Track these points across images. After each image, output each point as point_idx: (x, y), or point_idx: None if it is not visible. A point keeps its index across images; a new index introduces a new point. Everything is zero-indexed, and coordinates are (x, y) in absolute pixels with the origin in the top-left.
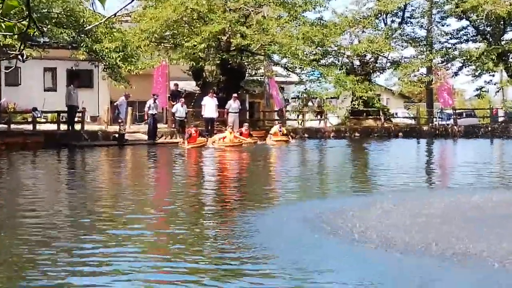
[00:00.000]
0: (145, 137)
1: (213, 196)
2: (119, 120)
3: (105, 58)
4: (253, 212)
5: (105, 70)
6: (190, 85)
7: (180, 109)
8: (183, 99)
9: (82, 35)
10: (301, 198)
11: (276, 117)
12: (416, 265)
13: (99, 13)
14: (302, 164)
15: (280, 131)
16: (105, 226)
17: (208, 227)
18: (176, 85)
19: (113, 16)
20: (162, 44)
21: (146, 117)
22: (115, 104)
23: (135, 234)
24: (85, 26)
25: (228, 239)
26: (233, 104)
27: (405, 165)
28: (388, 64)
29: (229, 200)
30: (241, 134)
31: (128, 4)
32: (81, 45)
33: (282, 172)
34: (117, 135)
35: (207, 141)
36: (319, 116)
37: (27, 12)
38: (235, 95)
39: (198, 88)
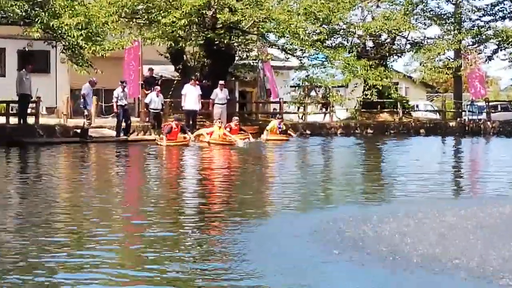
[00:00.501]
0: (113, 133)
1: (193, 209)
2: (85, 113)
3: (65, 37)
4: (245, 225)
5: (64, 51)
6: (167, 70)
7: (155, 100)
8: (158, 88)
9: (37, 9)
10: (302, 209)
11: (273, 110)
12: None
13: None
14: (300, 168)
15: (280, 127)
16: (61, 243)
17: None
18: (151, 70)
19: None
20: (134, 20)
21: (115, 110)
22: (79, 93)
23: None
24: None
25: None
26: (219, 94)
27: (426, 169)
28: (408, 46)
29: (213, 213)
30: (230, 130)
31: None
32: (36, 20)
33: (277, 179)
34: (79, 130)
35: (189, 138)
36: (323, 109)
37: None
38: (222, 82)
39: (178, 74)
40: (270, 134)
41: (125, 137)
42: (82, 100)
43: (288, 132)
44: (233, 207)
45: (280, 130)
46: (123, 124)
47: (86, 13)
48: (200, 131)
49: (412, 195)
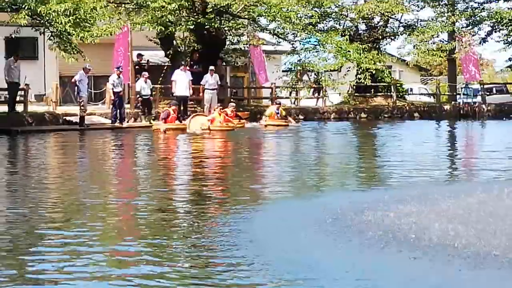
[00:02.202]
0: (104, 120)
1: (190, 196)
2: (80, 100)
3: (52, 23)
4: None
5: (52, 38)
6: (157, 56)
7: (144, 86)
8: (146, 73)
9: None
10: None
11: (266, 95)
12: None
13: None
14: (302, 152)
15: (278, 113)
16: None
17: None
18: (140, 55)
19: None
20: (123, 5)
21: (113, 97)
22: (72, 80)
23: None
24: None
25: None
26: (210, 79)
27: (420, 153)
28: (401, 29)
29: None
30: (226, 116)
31: None
32: (23, 6)
33: (275, 165)
34: (69, 118)
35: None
36: (316, 94)
37: None
38: (212, 68)
39: (168, 60)
40: (269, 120)
41: (120, 124)
42: (76, 87)
43: (288, 119)
44: (234, 194)
45: (278, 115)
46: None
47: None
48: (200, 119)
49: (409, 180)
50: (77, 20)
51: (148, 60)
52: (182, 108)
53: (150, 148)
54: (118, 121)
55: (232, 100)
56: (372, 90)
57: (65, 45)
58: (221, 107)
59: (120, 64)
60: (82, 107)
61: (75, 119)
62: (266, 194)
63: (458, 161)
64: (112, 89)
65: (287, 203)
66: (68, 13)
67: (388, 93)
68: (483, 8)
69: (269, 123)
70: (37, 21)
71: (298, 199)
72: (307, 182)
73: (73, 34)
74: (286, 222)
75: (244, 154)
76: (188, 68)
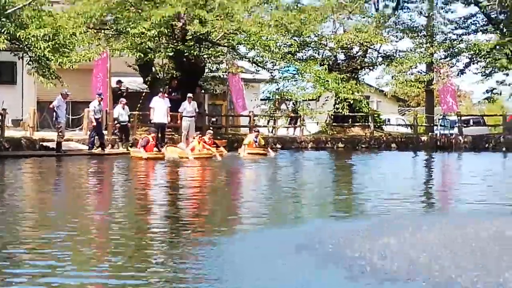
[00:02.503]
0: (81, 146)
1: (165, 224)
2: (58, 126)
3: (31, 48)
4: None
5: (30, 63)
6: (136, 82)
7: (121, 112)
8: (124, 100)
9: (3, 19)
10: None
11: (244, 123)
12: None
13: None
14: (279, 182)
15: (256, 141)
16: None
17: None
18: (120, 82)
19: None
20: (103, 31)
21: (92, 123)
22: (50, 106)
23: None
24: (6, 7)
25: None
26: (188, 107)
27: (396, 184)
28: (380, 59)
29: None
30: (204, 143)
31: None
32: (2, 31)
33: (252, 194)
34: (45, 144)
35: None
36: (293, 123)
37: None
38: (190, 95)
39: (146, 86)
40: (247, 148)
41: (102, 151)
42: (54, 113)
43: (267, 148)
44: (210, 223)
45: (257, 144)
46: (97, 137)
47: (54, 24)
48: (182, 149)
49: (383, 211)
50: (56, 45)
51: (127, 88)
52: (160, 135)
53: (127, 176)
54: (96, 148)
55: (210, 127)
56: (350, 120)
57: (44, 70)
58: (200, 135)
59: (100, 91)
60: (60, 133)
61: (52, 144)
62: (242, 223)
63: (432, 193)
64: (94, 115)
65: (263, 231)
66: (47, 38)
67: (366, 123)
68: (461, 40)
69: (247, 152)
70: (16, 46)
71: (274, 228)
72: (283, 212)
73: (52, 59)
74: (261, 250)
75: (222, 183)
76: (166, 95)
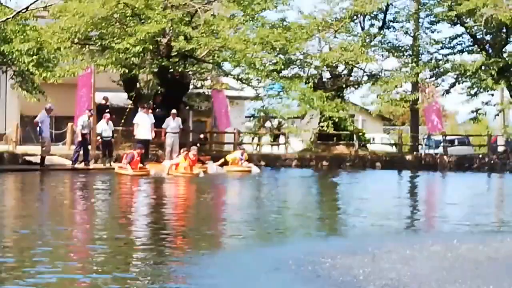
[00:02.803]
0: (65, 161)
1: (148, 241)
2: (42, 141)
3: (15, 63)
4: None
5: (14, 77)
6: (120, 98)
7: (105, 128)
8: (108, 115)
9: None
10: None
11: (228, 140)
12: None
13: (8, 6)
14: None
15: (242, 159)
16: None
17: None
18: (106, 98)
19: (25, 10)
20: (87, 47)
21: (77, 139)
22: (34, 121)
23: None
24: None
25: None
26: (172, 123)
27: (379, 203)
28: (365, 78)
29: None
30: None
31: None
32: None
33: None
34: (27, 158)
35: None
36: (278, 140)
37: None
38: (174, 111)
39: (130, 102)
40: (232, 165)
41: (87, 166)
42: (38, 128)
43: (250, 165)
44: (192, 241)
45: (242, 161)
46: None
47: (38, 39)
48: (164, 164)
49: (366, 230)
50: (40, 60)
51: (111, 103)
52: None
53: (111, 192)
54: (79, 163)
55: (200, 142)
56: (335, 138)
57: (27, 84)
58: (186, 151)
59: (91, 107)
60: (43, 148)
61: (35, 159)
62: (225, 241)
63: (414, 213)
64: (82, 130)
65: (245, 250)
66: (31, 53)
67: (351, 142)
68: (447, 60)
69: (231, 169)
70: (0, 60)
71: (257, 247)
72: (266, 230)
73: (36, 74)
74: (243, 269)
75: (205, 201)
76: (150, 111)
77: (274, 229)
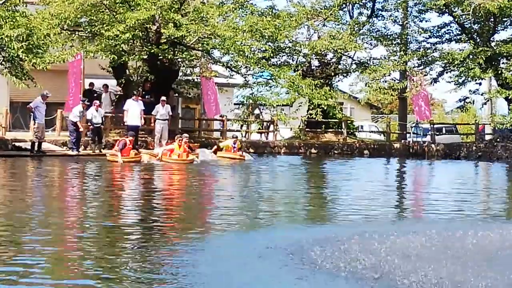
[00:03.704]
0: (55, 147)
1: (139, 227)
2: (35, 126)
3: (5, 49)
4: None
5: (3, 63)
6: (109, 85)
7: (95, 114)
8: (97, 102)
9: None
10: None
11: (218, 127)
12: None
13: None
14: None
15: (235, 146)
16: None
17: None
18: (92, 84)
19: None
20: (77, 33)
21: (80, 127)
22: (28, 106)
23: None
24: None
25: None
26: (161, 110)
27: (365, 190)
28: (354, 66)
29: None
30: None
31: None
32: None
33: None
34: (17, 144)
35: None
36: (269, 127)
37: None
38: (163, 98)
39: (120, 89)
40: (225, 152)
41: (76, 152)
42: (31, 113)
43: (243, 154)
44: (183, 226)
45: (235, 149)
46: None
47: (28, 25)
48: (158, 150)
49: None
50: (30, 46)
51: (100, 88)
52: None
53: (103, 178)
54: (74, 150)
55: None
56: (323, 126)
57: (17, 70)
58: (180, 139)
59: (85, 98)
60: (36, 133)
61: (25, 145)
62: (216, 227)
63: (401, 200)
64: (73, 117)
65: (235, 236)
66: (21, 39)
67: (339, 130)
68: (435, 49)
69: (224, 155)
70: None
71: (248, 233)
72: (254, 217)
73: (26, 60)
74: (234, 254)
75: (196, 187)
76: (140, 97)
77: (263, 216)
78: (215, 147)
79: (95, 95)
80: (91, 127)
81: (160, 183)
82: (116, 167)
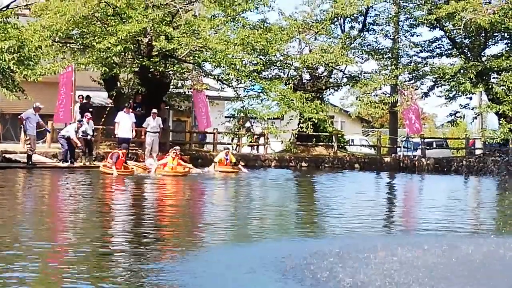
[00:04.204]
0: (45, 159)
1: (136, 239)
2: (26, 138)
3: None
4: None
5: None
6: (100, 97)
7: (86, 126)
8: (89, 114)
9: None
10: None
11: (208, 140)
12: None
13: None
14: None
15: (227, 159)
16: None
17: None
18: (88, 97)
19: (5, 9)
20: (68, 45)
21: (75, 142)
22: (19, 117)
23: None
24: None
25: None
26: (152, 122)
27: (354, 204)
28: (345, 80)
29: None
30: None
31: None
32: None
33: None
34: (7, 156)
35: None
36: (258, 140)
37: None
38: (154, 111)
39: (111, 101)
40: (218, 165)
41: (68, 164)
42: (22, 125)
43: (238, 166)
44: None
45: (227, 161)
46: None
47: (19, 37)
48: (151, 162)
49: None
50: (21, 57)
51: (92, 102)
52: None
53: (95, 191)
54: (64, 161)
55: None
56: (314, 139)
57: (8, 82)
58: (175, 152)
59: (81, 119)
60: (28, 145)
61: (15, 156)
62: (207, 240)
63: (389, 214)
64: (66, 132)
65: (226, 249)
66: (12, 51)
67: (330, 143)
68: (426, 63)
69: (218, 170)
70: None
71: (239, 246)
72: (247, 231)
73: (17, 72)
74: (225, 267)
75: (189, 200)
76: (131, 110)
77: (255, 229)
78: (212, 165)
79: (90, 109)
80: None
81: (150, 197)
82: (110, 180)
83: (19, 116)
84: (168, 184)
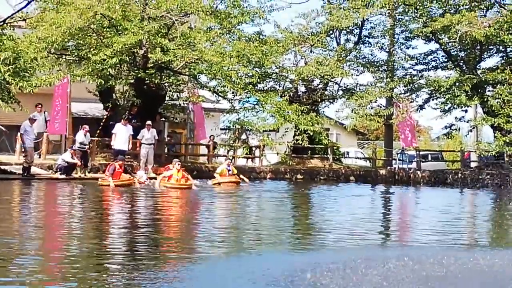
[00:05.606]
0: (41, 171)
1: (132, 250)
2: (23, 150)
3: None
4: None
5: None
6: (96, 109)
7: (83, 139)
8: (87, 127)
9: None
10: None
11: (204, 152)
12: None
13: None
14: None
15: (229, 170)
16: None
17: None
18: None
19: (2, 23)
20: (64, 57)
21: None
22: (17, 136)
23: None
24: None
25: None
26: (146, 134)
27: (349, 218)
28: (340, 92)
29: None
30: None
31: (23, 8)
32: None
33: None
34: (2, 167)
35: (133, 179)
36: (254, 152)
37: None
38: (149, 123)
39: (106, 112)
40: (220, 177)
41: (64, 176)
42: (20, 138)
43: (240, 176)
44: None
45: (230, 172)
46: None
47: (15, 48)
48: (161, 176)
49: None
50: (17, 69)
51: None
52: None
53: (93, 202)
54: (54, 172)
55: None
56: (309, 151)
57: (3, 94)
58: (179, 163)
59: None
60: (26, 158)
61: (10, 168)
62: (203, 253)
63: (383, 227)
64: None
65: (222, 262)
66: (7, 62)
67: (325, 156)
68: (421, 76)
69: (222, 181)
70: None
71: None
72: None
73: (12, 83)
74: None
75: (187, 212)
76: (128, 122)
77: (251, 242)
78: (216, 179)
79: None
80: (78, 150)
81: (148, 207)
82: (108, 192)
83: (16, 136)
84: (169, 197)
